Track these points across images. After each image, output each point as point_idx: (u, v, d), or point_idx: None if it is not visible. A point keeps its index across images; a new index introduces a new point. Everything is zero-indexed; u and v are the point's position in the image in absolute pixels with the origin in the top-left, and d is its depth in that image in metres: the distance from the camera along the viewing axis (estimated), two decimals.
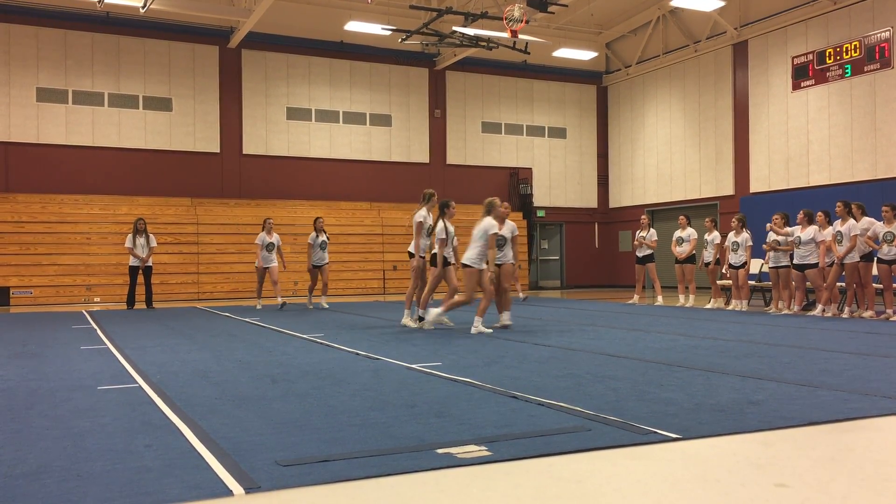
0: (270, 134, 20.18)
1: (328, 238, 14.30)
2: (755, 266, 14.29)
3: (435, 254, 9.95)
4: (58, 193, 17.81)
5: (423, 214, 10.01)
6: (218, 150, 19.58)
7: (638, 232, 15.11)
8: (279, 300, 14.25)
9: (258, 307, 14.32)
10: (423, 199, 10.32)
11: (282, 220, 18.44)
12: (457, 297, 9.59)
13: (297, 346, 8.05)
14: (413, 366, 6.28)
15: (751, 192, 19.08)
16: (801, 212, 11.95)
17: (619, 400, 4.70)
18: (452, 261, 9.97)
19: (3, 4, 17.43)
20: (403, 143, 21.71)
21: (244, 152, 19.85)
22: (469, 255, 9.26)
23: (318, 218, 14.30)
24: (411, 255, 10.27)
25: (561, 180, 23.58)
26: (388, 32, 17.64)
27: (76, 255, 17.18)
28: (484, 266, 9.20)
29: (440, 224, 9.79)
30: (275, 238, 14.33)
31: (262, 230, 14.36)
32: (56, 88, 18.03)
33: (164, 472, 3.20)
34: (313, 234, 14.06)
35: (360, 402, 4.73)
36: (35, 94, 17.84)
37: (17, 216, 16.93)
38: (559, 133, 23.89)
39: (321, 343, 8.17)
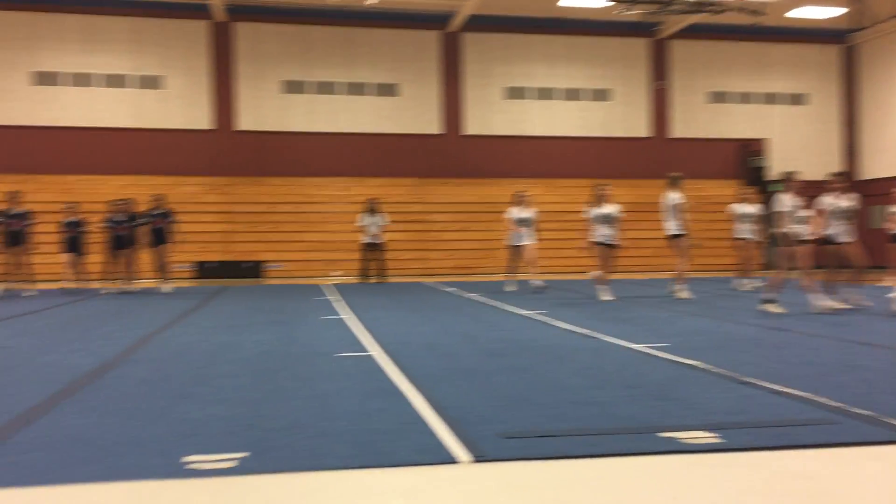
0: (489, 114, 20.55)
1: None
2: None
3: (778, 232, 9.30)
4: (301, 176, 19.55)
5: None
6: (440, 132, 20.33)
7: (889, 207, 13.44)
8: (533, 282, 12.65)
9: (508, 289, 12.72)
10: (673, 182, 10.93)
11: (502, 198, 18.66)
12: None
13: (517, 322, 8.20)
14: (635, 346, 6.14)
15: None
16: None
17: (871, 392, 4.25)
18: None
19: (250, 6, 19.29)
20: (623, 118, 21.09)
21: (465, 132, 20.43)
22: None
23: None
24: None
25: (798, 151, 21.56)
26: (610, 2, 17.15)
27: (318, 232, 18.84)
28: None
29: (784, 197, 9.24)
30: (531, 213, 12.86)
31: (513, 204, 13.04)
32: (297, 80, 19.75)
33: (396, 435, 3.44)
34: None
35: (581, 381, 4.73)
36: (279, 86, 19.67)
37: (269, 197, 18.92)
38: (797, 100, 21.86)
39: (540, 320, 8.25)
